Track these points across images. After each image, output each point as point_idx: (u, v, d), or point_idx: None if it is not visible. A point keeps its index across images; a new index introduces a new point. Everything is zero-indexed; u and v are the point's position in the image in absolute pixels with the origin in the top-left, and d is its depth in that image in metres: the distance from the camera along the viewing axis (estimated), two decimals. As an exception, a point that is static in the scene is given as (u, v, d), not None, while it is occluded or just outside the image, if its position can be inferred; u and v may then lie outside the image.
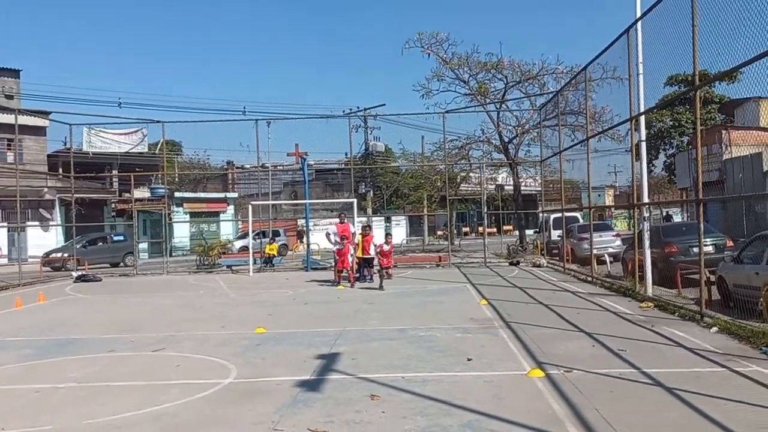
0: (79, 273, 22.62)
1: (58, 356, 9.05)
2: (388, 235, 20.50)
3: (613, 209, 51.10)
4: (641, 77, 13.11)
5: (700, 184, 10.80)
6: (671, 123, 54.23)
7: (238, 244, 34.35)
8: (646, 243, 13.25)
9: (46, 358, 8.98)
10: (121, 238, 33.48)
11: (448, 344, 9.01)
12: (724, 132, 38.05)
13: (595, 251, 19.60)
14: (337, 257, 18.12)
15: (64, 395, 6.94)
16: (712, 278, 12.86)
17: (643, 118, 13.36)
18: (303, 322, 11.50)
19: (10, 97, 39.29)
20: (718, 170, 36.79)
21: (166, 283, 20.75)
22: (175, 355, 8.90)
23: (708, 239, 17.37)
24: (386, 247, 17.74)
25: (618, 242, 23.10)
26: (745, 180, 33.12)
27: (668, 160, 56.04)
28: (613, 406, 5.79)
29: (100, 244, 31.31)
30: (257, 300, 15.23)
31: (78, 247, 30.17)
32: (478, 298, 13.79)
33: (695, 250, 15.77)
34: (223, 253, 27.35)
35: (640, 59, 13.17)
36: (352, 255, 18.11)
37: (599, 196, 54.65)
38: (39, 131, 36.39)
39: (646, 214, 13.79)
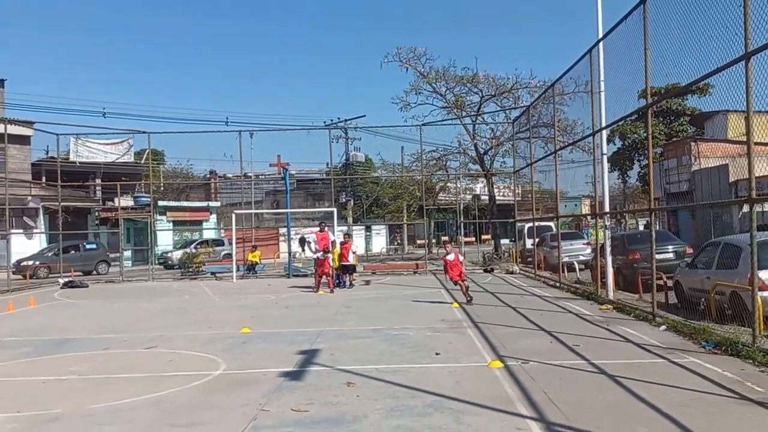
0: (67, 279, 23.09)
1: (57, 353, 9.71)
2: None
3: (589, 219, 52.45)
4: (602, 95, 14.09)
5: (652, 195, 11.85)
6: (645, 134, 55.69)
7: (178, 254, 34.66)
8: (608, 250, 14.16)
9: (46, 355, 9.63)
10: (94, 246, 33.58)
11: (419, 342, 9.81)
12: (693, 144, 39.39)
13: (566, 259, 20.59)
14: (317, 266, 18.88)
15: (69, 386, 7.63)
16: (670, 283, 13.86)
17: (604, 133, 14.33)
18: (285, 324, 12.23)
19: (-7, 106, 39.55)
20: (688, 181, 38.11)
21: (152, 290, 21.34)
22: (167, 351, 9.61)
23: (670, 246, 18.48)
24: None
25: (588, 250, 24.08)
26: (713, 190, 34.44)
27: (642, 171, 57.54)
28: (559, 390, 6.62)
29: (73, 252, 31.22)
30: (241, 304, 15.92)
31: (50, 255, 30.52)
32: (451, 302, 14.62)
33: (658, 256, 16.88)
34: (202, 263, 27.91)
35: (602, 77, 14.17)
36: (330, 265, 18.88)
37: (576, 205, 55.95)
38: (23, 140, 36.69)
39: (608, 223, 14.71)
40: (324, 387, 7.08)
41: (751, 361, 7.63)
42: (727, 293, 11.02)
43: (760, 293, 9.93)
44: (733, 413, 5.73)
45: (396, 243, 41.23)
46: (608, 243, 14.29)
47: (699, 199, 34.59)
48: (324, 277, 18.68)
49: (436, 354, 8.76)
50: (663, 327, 10.22)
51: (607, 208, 14.52)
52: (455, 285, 15.30)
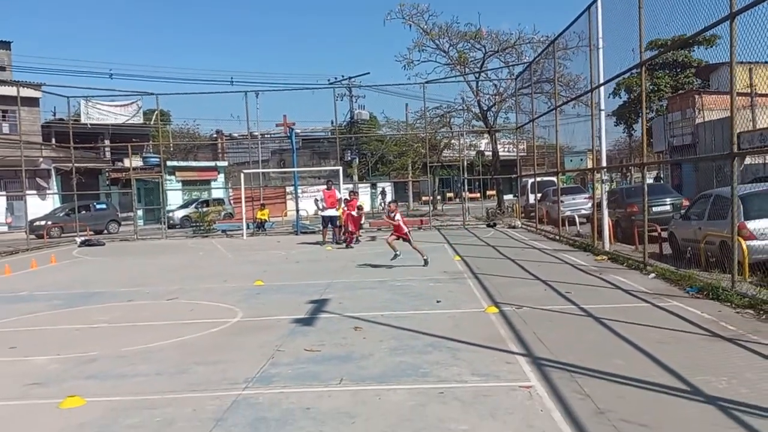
0: (84, 238, 23.85)
1: (85, 305, 10.43)
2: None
3: (594, 173, 52.80)
4: (601, 51, 14.40)
5: (644, 148, 12.19)
6: (651, 87, 55.48)
7: (180, 213, 35.43)
8: (604, 204, 14.69)
9: (75, 306, 10.35)
10: (104, 206, 34.20)
11: (421, 291, 10.46)
12: (697, 97, 39.34)
13: (568, 213, 21.14)
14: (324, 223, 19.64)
15: (100, 332, 8.34)
16: (665, 235, 14.42)
17: (602, 89, 14.69)
18: (296, 277, 12.89)
19: (2, 69, 39.87)
20: (691, 134, 38.22)
21: (166, 247, 22.08)
22: (187, 302, 10.31)
23: (667, 199, 18.97)
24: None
25: (590, 204, 24.58)
26: (715, 143, 34.63)
27: (648, 124, 57.47)
28: (548, 331, 7.26)
29: (84, 212, 31.65)
30: (253, 260, 16.61)
31: (62, 215, 31.25)
32: (453, 255, 15.26)
33: (655, 209, 17.42)
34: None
35: (600, 34, 14.45)
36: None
37: (581, 160, 56.13)
38: (32, 102, 37.06)
39: (605, 178, 15.19)
40: (333, 331, 7.75)
41: (729, 303, 8.23)
42: (717, 243, 11.58)
43: (747, 242, 10.56)
44: (703, 348, 6.35)
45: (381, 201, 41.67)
46: (605, 197, 14.78)
47: (702, 152, 34.87)
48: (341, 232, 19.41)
49: (437, 302, 9.40)
50: (652, 275, 10.82)
51: (604, 163, 14.97)
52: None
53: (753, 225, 11.25)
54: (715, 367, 5.60)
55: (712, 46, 34.31)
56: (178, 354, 6.97)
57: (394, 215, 14.44)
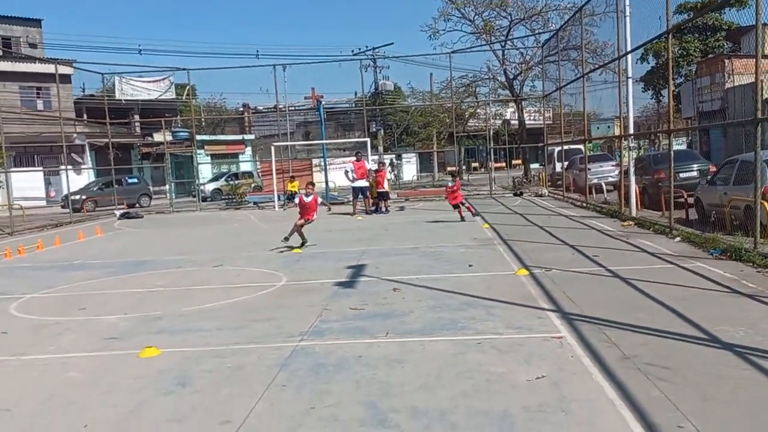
0: (123, 211, 24.74)
1: (139, 272, 11.15)
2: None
3: (621, 140, 52.50)
4: (628, 18, 14.57)
5: (671, 116, 12.45)
6: (679, 52, 54.54)
7: (210, 186, 36.15)
8: (631, 170, 14.98)
9: (129, 273, 11.07)
10: (135, 180, 35.07)
11: (453, 256, 10.97)
12: (726, 61, 38.76)
13: (595, 180, 21.38)
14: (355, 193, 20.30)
15: (158, 295, 9.02)
16: (691, 200, 14.71)
17: (629, 57, 14.88)
18: (331, 244, 13.49)
19: (33, 46, 40.76)
20: (720, 99, 37.77)
21: (202, 218, 22.87)
22: (232, 268, 10.97)
23: (694, 165, 19.16)
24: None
25: (617, 172, 24.74)
26: (745, 108, 34.25)
27: (676, 90, 56.63)
28: (576, 290, 7.74)
29: (116, 186, 31.93)
30: (287, 229, 17.21)
31: (96, 189, 32.23)
32: (482, 223, 15.72)
33: (682, 175, 17.64)
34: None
35: (627, 1, 14.59)
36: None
37: (608, 127, 55.69)
38: (65, 79, 37.88)
39: (632, 145, 15.45)
40: (374, 292, 8.31)
41: (751, 264, 8.62)
42: (742, 207, 11.87)
43: (769, 205, 10.85)
44: (722, 303, 6.80)
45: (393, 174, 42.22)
46: (632, 164, 15.07)
47: (731, 117, 34.54)
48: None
49: (469, 266, 9.92)
50: (677, 239, 11.20)
51: (631, 131, 15.21)
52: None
53: (778, 189, 11.52)
54: (733, 319, 6.05)
55: (744, 7, 33.77)
56: (234, 313, 7.60)
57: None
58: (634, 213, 14.81)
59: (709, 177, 16.76)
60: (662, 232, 12.15)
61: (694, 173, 18.08)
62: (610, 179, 23.25)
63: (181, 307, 8.09)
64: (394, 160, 46.10)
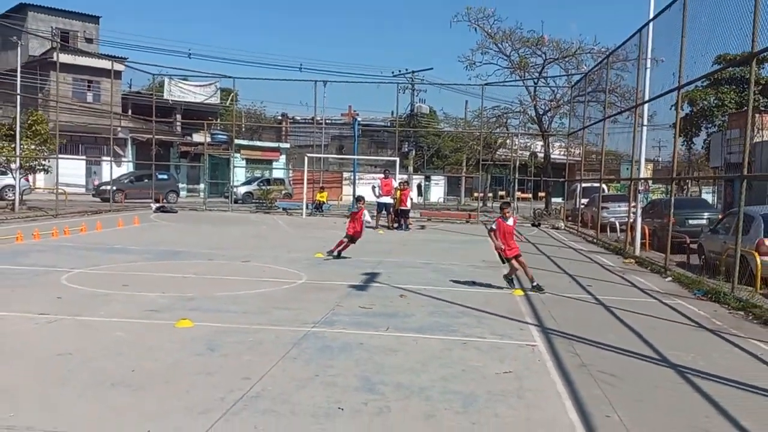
0: (158, 205, 26.15)
1: (173, 260, 12.32)
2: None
3: (650, 183, 52.95)
4: (648, 71, 15.50)
5: (675, 164, 13.24)
6: (715, 102, 54.82)
7: (243, 189, 36.96)
8: (638, 212, 15.82)
9: (165, 260, 12.25)
10: (165, 177, 35.79)
11: (461, 274, 11.93)
12: (757, 116, 39.23)
13: (612, 219, 22.15)
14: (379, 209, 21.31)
15: (191, 281, 10.14)
16: (695, 246, 15.47)
17: (646, 106, 15.77)
18: (351, 253, 14.47)
19: (90, 41, 42.91)
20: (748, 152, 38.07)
21: (233, 219, 24.15)
22: (259, 264, 12.08)
23: (705, 213, 19.88)
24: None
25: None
26: (772, 163, 34.65)
27: (708, 139, 56.83)
28: (561, 311, 8.66)
29: (146, 180, 33.05)
30: (312, 236, 18.38)
31: (126, 181, 33.56)
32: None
33: (691, 221, 18.40)
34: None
35: (649, 55, 15.54)
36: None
37: (637, 168, 55.97)
38: (116, 75, 39.80)
39: (641, 188, 16.28)
40: (383, 296, 9.32)
41: (726, 305, 9.44)
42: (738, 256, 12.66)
43: (763, 258, 11.62)
44: (685, 334, 7.68)
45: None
46: (640, 206, 15.90)
47: (757, 171, 34.96)
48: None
49: (473, 282, 10.87)
50: (669, 278, 12.03)
51: (642, 174, 16.07)
52: (504, 263, 10.69)
53: (772, 242, 12.29)
54: (688, 347, 6.94)
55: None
56: (258, 301, 8.67)
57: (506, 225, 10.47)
58: (637, 252, 15.61)
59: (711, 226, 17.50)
60: (658, 271, 12.97)
61: (704, 221, 18.79)
62: (626, 219, 24.01)
63: (212, 291, 9.19)
64: (423, 183, 47.25)
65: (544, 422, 4.66)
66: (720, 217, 19.19)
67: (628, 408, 4.95)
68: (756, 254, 11.49)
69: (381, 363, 5.96)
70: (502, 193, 62.05)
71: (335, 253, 13.46)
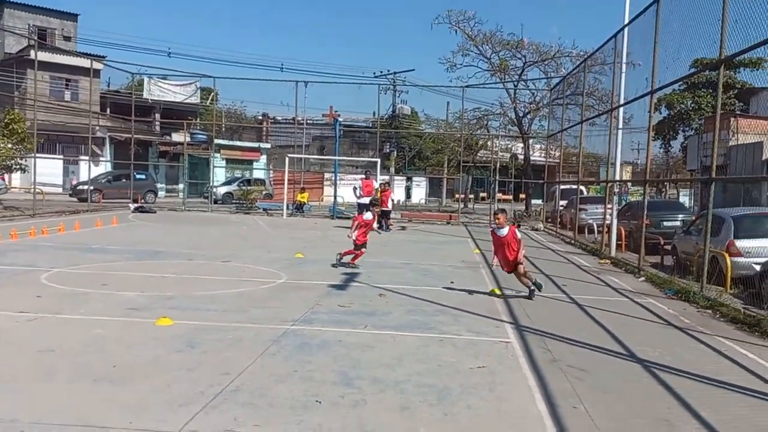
0: (137, 205, 26.04)
1: (153, 260, 12.36)
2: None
3: (629, 186, 53.66)
4: (623, 75, 15.82)
5: (648, 167, 13.55)
6: (692, 105, 55.66)
7: (223, 189, 36.93)
8: (614, 213, 16.14)
9: (144, 260, 12.28)
10: (143, 176, 35.51)
11: (440, 274, 12.11)
12: (732, 119, 40.01)
13: (590, 220, 22.52)
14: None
15: (171, 281, 10.20)
16: (668, 247, 15.82)
17: (621, 110, 16.10)
18: (332, 253, 14.52)
19: (68, 39, 42.55)
20: (723, 155, 38.88)
21: (212, 219, 24.15)
22: (239, 265, 12.16)
23: (680, 215, 20.31)
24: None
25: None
26: (746, 166, 35.41)
27: (685, 142, 57.74)
28: (535, 310, 8.87)
29: (124, 180, 32.77)
30: (293, 236, 18.47)
31: (104, 181, 33.27)
32: (473, 248, 16.86)
33: (666, 223, 18.79)
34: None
35: (624, 59, 15.86)
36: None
37: (614, 171, 56.67)
38: (94, 73, 39.44)
39: (616, 190, 16.60)
40: (362, 295, 9.47)
41: (695, 304, 9.73)
42: (709, 257, 13.00)
43: (733, 258, 11.95)
44: (653, 331, 7.93)
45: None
46: (615, 207, 16.22)
47: (732, 173, 35.69)
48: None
49: (451, 282, 11.05)
50: (642, 278, 12.32)
51: (617, 177, 16.39)
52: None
53: (740, 243, 12.63)
54: (655, 343, 7.18)
55: (758, 69, 35.00)
56: (238, 300, 8.78)
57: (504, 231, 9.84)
58: (613, 253, 15.92)
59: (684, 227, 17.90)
60: (632, 272, 13.27)
61: (678, 222, 19.19)
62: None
63: (191, 291, 9.27)
64: (411, 183, 47.67)
65: (514, 413, 4.85)
66: (693, 218, 19.69)
67: (594, 399, 5.16)
68: (726, 255, 11.80)
69: (358, 359, 6.11)
70: (484, 194, 62.68)
71: (352, 263, 12.20)
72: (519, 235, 10.03)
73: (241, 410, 4.65)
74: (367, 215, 12.86)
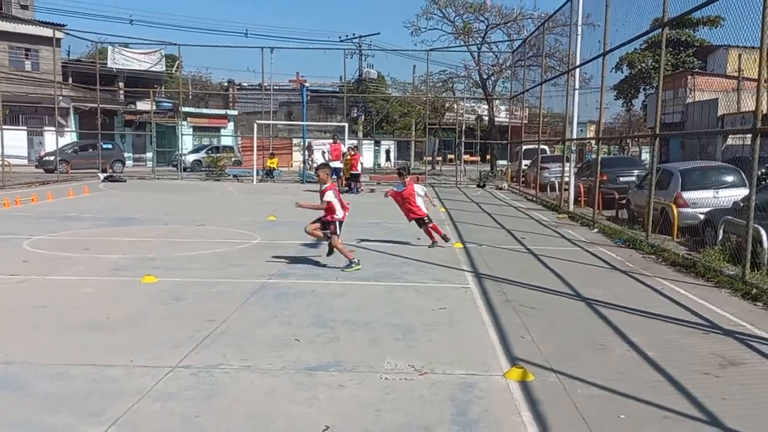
0: (106, 174, 26.10)
1: (129, 226, 12.75)
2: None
3: (592, 144, 54.91)
4: (579, 37, 16.44)
5: (601, 125, 14.26)
6: (652, 64, 56.68)
7: (191, 157, 37.19)
8: (571, 171, 16.91)
9: (121, 226, 12.67)
10: (110, 146, 35.19)
11: (406, 231, 12.67)
12: (689, 77, 41.09)
13: (552, 179, 23.36)
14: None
15: (149, 243, 10.66)
16: (623, 202, 16.69)
17: (578, 71, 16.75)
18: (303, 216, 14.93)
19: (25, 8, 41.48)
20: (681, 112, 40.08)
21: (183, 186, 24.38)
22: (214, 228, 12.63)
23: (635, 171, 21.20)
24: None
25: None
26: (702, 122, 36.62)
27: (645, 100, 58.96)
28: (495, 260, 9.58)
29: (91, 150, 32.50)
30: (264, 201, 18.92)
31: (70, 152, 32.98)
32: (439, 207, 17.52)
33: (621, 179, 19.66)
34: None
35: (580, 21, 16.47)
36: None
37: (581, 130, 57.86)
38: (55, 42, 38.86)
39: (573, 148, 17.36)
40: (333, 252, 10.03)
41: (641, 251, 10.55)
42: (659, 209, 13.86)
43: (680, 209, 12.81)
44: (600, 275, 8.70)
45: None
46: (572, 165, 17.00)
47: (689, 128, 36.88)
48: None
49: (417, 239, 11.66)
50: (596, 230, 13.14)
51: (574, 135, 17.14)
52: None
53: (687, 195, 13.50)
54: (599, 284, 7.94)
55: (716, 27, 35.93)
56: (215, 259, 9.30)
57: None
58: (571, 208, 16.73)
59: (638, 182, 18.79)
60: (586, 224, 14.09)
61: (633, 178, 20.09)
62: (566, 178, 25.28)
63: (171, 252, 9.75)
64: (390, 150, 48.33)
65: (469, 342, 5.54)
66: (646, 173, 20.63)
67: (540, 331, 5.87)
68: (674, 206, 12.63)
69: (330, 305, 6.73)
70: (451, 156, 63.37)
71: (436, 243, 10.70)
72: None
73: (228, 349, 5.24)
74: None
